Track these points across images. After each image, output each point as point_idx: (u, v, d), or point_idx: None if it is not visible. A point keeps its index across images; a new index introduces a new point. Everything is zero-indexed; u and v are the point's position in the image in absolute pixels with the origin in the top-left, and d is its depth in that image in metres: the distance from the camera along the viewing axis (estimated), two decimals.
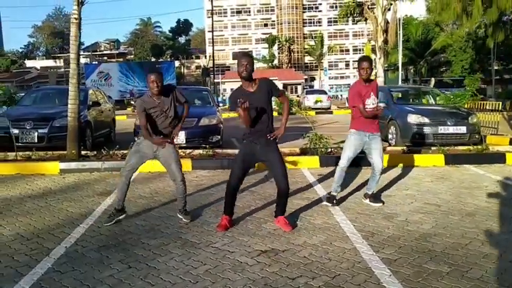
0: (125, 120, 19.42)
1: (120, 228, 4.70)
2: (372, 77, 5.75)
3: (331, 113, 25.83)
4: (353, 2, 27.02)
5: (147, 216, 5.12)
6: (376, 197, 5.51)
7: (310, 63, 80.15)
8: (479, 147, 8.39)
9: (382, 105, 6.18)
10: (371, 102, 5.23)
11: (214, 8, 57.46)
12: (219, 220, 4.80)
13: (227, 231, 4.54)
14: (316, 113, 24.37)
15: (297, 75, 62.36)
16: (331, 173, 7.13)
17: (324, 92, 30.78)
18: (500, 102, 14.49)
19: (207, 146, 8.55)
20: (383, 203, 5.42)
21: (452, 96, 10.65)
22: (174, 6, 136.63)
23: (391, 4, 26.55)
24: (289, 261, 3.75)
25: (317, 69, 69.46)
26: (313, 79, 75.67)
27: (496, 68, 36.52)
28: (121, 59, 79.49)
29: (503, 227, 4.56)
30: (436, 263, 3.65)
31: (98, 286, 3.33)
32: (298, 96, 38.31)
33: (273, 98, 4.59)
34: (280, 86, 31.78)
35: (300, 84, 57.12)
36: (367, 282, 3.32)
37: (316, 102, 27.36)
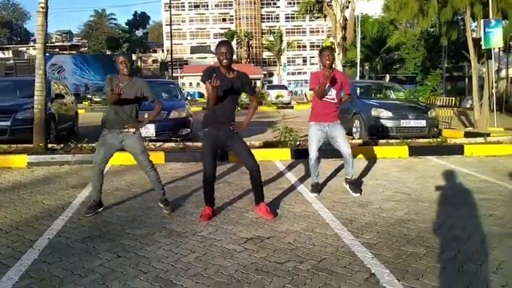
0: (83, 114, 18.98)
1: (101, 219, 4.68)
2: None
3: (292, 107, 26.23)
4: None
5: (128, 207, 5.11)
6: (356, 185, 5.71)
7: (268, 58, 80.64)
8: (439, 139, 8.84)
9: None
10: (327, 93, 5.38)
11: (172, 2, 56.70)
12: (200, 210, 4.88)
13: (210, 220, 4.62)
14: (278, 107, 24.65)
15: (256, 70, 62.52)
16: (303, 163, 7.37)
17: (284, 87, 31.18)
18: (454, 98, 15.26)
19: (177, 139, 8.56)
20: (361, 192, 5.62)
21: (414, 91, 11.13)
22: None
23: (349, 2, 27.21)
24: (276, 247, 3.88)
25: (275, 65, 70.08)
26: (271, 74, 76.26)
27: (446, 65, 38.12)
28: (74, 52, 76.92)
29: (468, 212, 4.87)
30: (413, 246, 3.89)
31: (89, 275, 3.33)
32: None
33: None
34: None
35: (259, 79, 57.35)
36: (352, 265, 3.50)
37: (277, 97, 27.68)
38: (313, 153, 5.51)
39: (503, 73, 29.46)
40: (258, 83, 51.70)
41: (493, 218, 4.66)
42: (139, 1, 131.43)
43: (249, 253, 3.74)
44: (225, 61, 4.48)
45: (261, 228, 4.39)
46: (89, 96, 36.99)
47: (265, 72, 67.46)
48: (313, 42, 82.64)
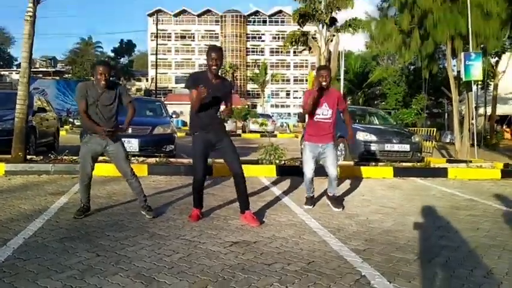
0: (64, 136, 18.69)
1: (80, 222, 4.49)
2: None
3: (275, 136, 26.27)
4: (298, 31, 28.02)
5: (108, 213, 4.94)
6: (338, 201, 5.60)
7: (252, 90, 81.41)
8: (423, 164, 8.90)
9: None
10: (321, 112, 5.23)
11: (158, 32, 57.30)
12: (184, 217, 4.77)
13: (195, 224, 4.49)
14: (261, 135, 24.66)
15: (240, 101, 62.91)
16: (289, 179, 7.35)
17: (268, 116, 31.37)
18: (434, 129, 15.52)
19: (161, 155, 8.43)
20: (343, 208, 5.51)
21: (399, 113, 11.27)
22: (118, 27, 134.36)
23: (334, 35, 27.84)
24: (262, 250, 3.76)
25: (259, 97, 70.64)
26: (255, 106, 76.77)
27: (426, 102, 38.94)
28: (57, 78, 76.51)
29: (455, 225, 4.83)
30: (402, 252, 3.81)
31: (66, 271, 3.15)
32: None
33: None
34: None
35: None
36: (342, 267, 3.40)
37: (261, 125, 27.71)
38: (308, 173, 5.41)
39: (481, 111, 30.23)
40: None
41: (480, 230, 4.63)
42: (126, 29, 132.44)
43: (235, 255, 3.61)
44: (214, 67, 4.45)
45: (246, 234, 4.27)
46: (71, 120, 36.55)
47: (249, 103, 67.85)
48: (297, 77, 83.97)
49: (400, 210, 5.51)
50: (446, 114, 34.54)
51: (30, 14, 7.42)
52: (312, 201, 5.58)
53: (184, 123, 47.19)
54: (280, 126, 42.63)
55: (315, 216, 5.06)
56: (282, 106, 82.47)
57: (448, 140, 23.96)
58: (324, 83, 5.11)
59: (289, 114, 78.06)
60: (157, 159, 8.16)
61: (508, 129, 34.05)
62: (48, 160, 7.73)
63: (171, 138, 9.33)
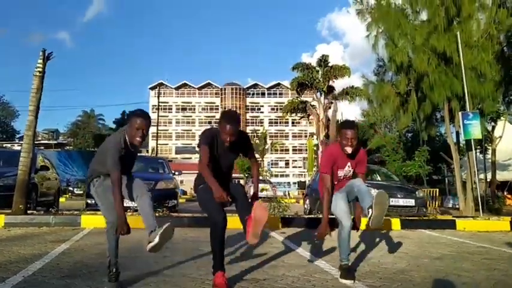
0: (63, 202, 18.55)
1: (82, 264, 4.33)
2: None
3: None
4: (296, 99, 28.78)
5: None
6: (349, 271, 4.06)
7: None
8: (430, 217, 8.74)
9: None
10: (344, 174, 4.30)
11: (160, 104, 58.64)
12: (191, 262, 4.60)
13: (201, 264, 4.31)
14: (262, 200, 24.46)
15: (239, 172, 63.19)
16: (293, 229, 7.24)
17: (269, 182, 31.25)
18: (438, 189, 15.43)
19: (164, 210, 8.29)
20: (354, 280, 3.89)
21: (403, 166, 11.22)
22: (119, 99, 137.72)
23: (332, 103, 28.55)
24: (273, 286, 3.59)
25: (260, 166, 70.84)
26: None
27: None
28: (59, 150, 77.19)
29: (471, 266, 4.65)
30: None
31: None
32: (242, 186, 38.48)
33: None
34: None
35: (242, 178, 57.68)
36: None
37: (262, 190, 27.60)
38: (344, 219, 4.15)
39: (481, 176, 30.21)
40: (242, 181, 51.85)
41: (498, 270, 4.44)
42: (128, 102, 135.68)
43: None
44: (228, 143, 3.70)
45: (256, 273, 4.10)
46: (70, 188, 36.37)
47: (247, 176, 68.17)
48: (296, 146, 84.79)
49: (412, 254, 5.32)
50: (446, 180, 34.45)
51: (40, 69, 7.64)
52: (352, 272, 4.04)
53: (184, 192, 46.93)
54: (284, 195, 42.46)
55: (324, 259, 4.88)
56: (282, 176, 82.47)
57: (450, 205, 23.70)
58: (348, 149, 4.12)
59: (288, 183, 77.90)
60: (160, 213, 8.01)
61: (509, 196, 33.87)
62: (49, 214, 7.58)
63: (174, 193, 9.24)
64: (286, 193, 42.77)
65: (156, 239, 3.46)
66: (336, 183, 4.31)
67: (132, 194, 3.71)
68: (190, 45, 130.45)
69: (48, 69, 7.84)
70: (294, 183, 71.35)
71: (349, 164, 4.27)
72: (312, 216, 9.71)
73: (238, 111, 75.51)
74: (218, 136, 3.77)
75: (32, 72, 7.73)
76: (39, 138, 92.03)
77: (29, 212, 7.78)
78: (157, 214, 7.91)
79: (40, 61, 7.71)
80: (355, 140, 4.14)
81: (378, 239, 6.61)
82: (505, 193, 34.57)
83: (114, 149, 3.53)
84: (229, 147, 3.74)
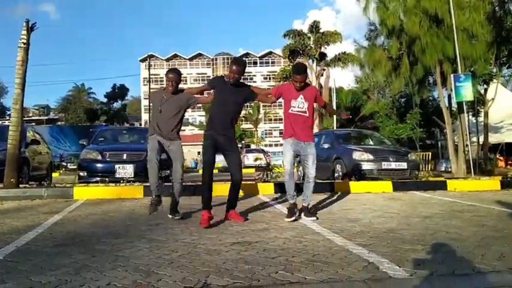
0: (57, 177, 18.58)
1: (75, 233, 4.34)
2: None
3: (271, 170, 26.18)
4: (289, 66, 28.53)
5: (104, 225, 4.80)
6: (310, 212, 5.17)
7: (246, 130, 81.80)
8: (422, 179, 8.83)
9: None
10: (297, 105, 5.06)
11: (151, 76, 57.97)
12: (183, 226, 4.63)
13: (194, 230, 4.35)
14: (256, 169, 24.57)
15: None
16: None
17: (262, 151, 31.33)
18: (430, 153, 15.53)
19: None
20: (317, 218, 5.06)
21: (395, 129, 11.25)
22: (109, 73, 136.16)
23: (324, 70, 28.37)
24: (265, 247, 3.62)
25: (251, 137, 70.82)
26: (248, 146, 76.91)
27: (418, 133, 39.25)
28: (51, 125, 76.59)
29: (461, 223, 4.72)
30: (409, 244, 3.69)
31: (60, 269, 3.00)
32: None
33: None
34: None
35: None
36: (348, 258, 3.26)
37: (256, 160, 27.66)
38: (288, 166, 5.16)
39: (474, 139, 30.41)
40: None
41: (486, 227, 4.51)
42: (119, 74, 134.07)
43: (237, 252, 3.48)
44: (232, 80, 4.92)
45: (247, 235, 4.13)
46: (64, 163, 36.30)
47: (243, 142, 68.27)
48: None
49: (403, 214, 5.39)
50: (439, 144, 34.71)
51: (24, 41, 7.48)
52: (293, 211, 5.01)
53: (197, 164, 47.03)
54: (281, 165, 42.71)
55: (316, 221, 4.93)
56: (276, 145, 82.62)
57: (443, 169, 23.93)
58: (297, 85, 5.07)
59: (282, 152, 78.11)
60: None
61: (501, 158, 34.21)
62: (41, 187, 7.58)
63: (167, 164, 9.19)
64: (281, 162, 43.13)
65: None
66: (291, 113, 5.13)
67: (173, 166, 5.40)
68: (180, 16, 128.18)
69: (35, 44, 7.70)
70: None
71: (301, 96, 5.10)
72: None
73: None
74: (224, 80, 5.04)
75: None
76: (30, 115, 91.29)
77: (21, 185, 7.76)
78: None
79: (24, 32, 7.53)
80: (303, 82, 5.13)
81: (369, 202, 6.69)
82: (497, 155, 34.94)
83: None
84: (235, 91, 4.92)
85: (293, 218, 4.94)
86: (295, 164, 5.38)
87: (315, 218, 5.01)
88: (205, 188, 4.80)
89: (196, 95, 5.46)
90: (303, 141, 5.12)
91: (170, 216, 5.07)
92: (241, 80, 5.06)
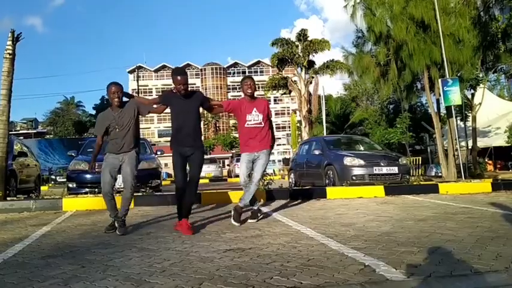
0: (45, 190, 18.28)
1: (64, 244, 4.24)
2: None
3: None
4: (277, 75, 28.58)
5: (94, 235, 4.70)
6: (252, 213, 5.50)
7: (235, 139, 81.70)
8: (414, 182, 8.83)
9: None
10: (253, 118, 5.29)
11: (140, 88, 57.86)
12: (174, 234, 4.55)
13: (186, 238, 4.27)
14: None
15: (223, 151, 63.13)
16: (277, 201, 7.21)
17: None
18: (420, 157, 15.58)
19: (147, 190, 8.21)
20: (257, 219, 5.43)
21: (385, 133, 11.26)
22: (98, 85, 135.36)
23: (313, 77, 28.45)
24: (259, 254, 3.56)
25: None
26: (238, 155, 76.73)
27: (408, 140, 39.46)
28: (39, 138, 75.78)
29: (455, 225, 4.69)
30: (405, 247, 3.64)
31: (49, 280, 2.91)
32: (228, 165, 38.52)
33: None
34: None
35: (227, 158, 57.76)
36: (344, 261, 3.21)
37: None
38: (242, 178, 5.37)
39: (462, 143, 30.64)
40: (226, 162, 51.88)
41: (481, 227, 4.49)
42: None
43: (230, 258, 3.40)
44: (183, 91, 4.75)
45: (240, 243, 4.06)
46: (53, 177, 35.90)
47: (233, 151, 68.17)
48: (279, 124, 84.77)
49: (397, 218, 5.35)
50: (428, 149, 34.92)
51: (10, 51, 7.39)
52: (257, 214, 5.46)
53: (168, 175, 46.80)
54: (272, 173, 42.69)
55: (310, 226, 4.87)
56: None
57: (433, 174, 24.01)
58: (249, 91, 5.29)
59: (273, 161, 78.16)
60: (144, 193, 7.93)
61: (490, 161, 34.51)
62: (29, 199, 7.43)
63: (156, 173, 9.13)
64: (272, 171, 43.02)
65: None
66: (247, 127, 5.29)
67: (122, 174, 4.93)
68: (168, 27, 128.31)
69: (22, 57, 7.61)
70: (279, 160, 71.62)
71: (255, 109, 5.28)
72: (297, 188, 9.74)
73: (219, 91, 74.74)
74: (174, 96, 4.86)
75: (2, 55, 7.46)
76: (18, 128, 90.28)
77: (8, 198, 7.62)
78: (140, 194, 7.87)
79: (9, 43, 7.44)
80: (254, 87, 5.31)
81: (361, 206, 6.66)
82: (486, 159, 35.23)
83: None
84: (186, 104, 4.79)
85: (238, 224, 5.13)
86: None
87: (255, 220, 5.37)
88: (179, 196, 4.83)
89: (146, 105, 5.16)
90: (259, 151, 5.34)
91: (115, 225, 4.84)
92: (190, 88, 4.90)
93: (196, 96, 4.99)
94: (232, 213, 5.27)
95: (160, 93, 6.30)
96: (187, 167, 4.90)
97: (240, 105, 5.34)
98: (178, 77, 4.70)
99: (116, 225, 4.78)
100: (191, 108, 4.85)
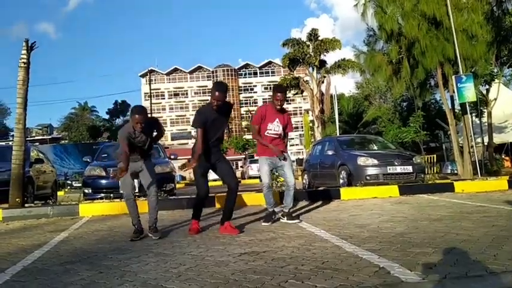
0: (62, 195, 18.54)
1: (82, 250, 4.32)
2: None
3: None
4: (289, 75, 28.56)
5: (110, 241, 4.77)
6: (292, 216, 5.58)
7: (248, 141, 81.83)
8: (429, 181, 8.76)
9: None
10: (273, 128, 5.41)
11: (152, 91, 58.31)
12: (190, 239, 4.59)
13: (201, 242, 4.31)
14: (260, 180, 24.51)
15: (236, 154, 63.37)
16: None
17: None
18: (435, 155, 15.44)
19: (161, 194, 8.27)
20: (300, 220, 5.52)
21: (399, 132, 11.19)
22: (111, 89, 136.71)
23: (324, 77, 28.38)
24: (273, 257, 3.58)
25: (255, 147, 70.94)
26: (252, 157, 76.80)
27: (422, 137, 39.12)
28: (54, 144, 76.81)
29: (471, 224, 4.65)
30: (419, 248, 3.63)
31: (68, 286, 2.98)
32: (241, 167, 38.60)
33: None
34: None
35: (240, 160, 57.91)
36: (358, 264, 3.22)
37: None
38: (266, 180, 5.48)
39: (478, 139, 30.26)
40: (239, 163, 52.01)
41: (497, 227, 4.45)
42: (119, 90, 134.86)
43: (245, 262, 3.43)
44: (215, 105, 4.78)
45: (255, 246, 4.09)
46: (69, 182, 36.30)
47: (246, 153, 68.34)
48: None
49: (412, 218, 5.33)
50: (444, 146, 34.55)
51: (24, 60, 7.52)
52: (271, 217, 5.48)
53: (182, 178, 47.03)
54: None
55: (324, 228, 4.88)
56: None
57: (449, 171, 23.77)
58: (278, 104, 5.37)
59: None
60: (159, 197, 7.99)
61: (507, 158, 34.00)
62: (47, 206, 7.56)
63: (170, 177, 9.21)
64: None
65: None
66: (266, 135, 5.39)
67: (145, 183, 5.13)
68: (179, 30, 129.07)
69: (36, 64, 7.75)
70: (293, 161, 71.65)
71: (277, 119, 5.41)
72: (310, 189, 9.73)
73: (231, 92, 74.75)
74: (210, 108, 4.84)
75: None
76: (33, 134, 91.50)
77: (26, 205, 7.75)
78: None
79: (24, 51, 7.58)
80: (284, 101, 5.41)
81: (376, 207, 6.64)
82: (503, 155, 34.72)
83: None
84: (218, 117, 4.83)
85: (267, 224, 5.36)
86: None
87: (298, 221, 5.44)
88: (199, 201, 5.08)
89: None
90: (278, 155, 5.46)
91: (149, 234, 4.83)
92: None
93: (225, 107, 5.02)
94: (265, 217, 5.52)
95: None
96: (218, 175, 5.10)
97: (265, 112, 5.44)
98: (216, 93, 4.75)
99: (149, 234, 4.80)
100: (221, 122, 4.98)
